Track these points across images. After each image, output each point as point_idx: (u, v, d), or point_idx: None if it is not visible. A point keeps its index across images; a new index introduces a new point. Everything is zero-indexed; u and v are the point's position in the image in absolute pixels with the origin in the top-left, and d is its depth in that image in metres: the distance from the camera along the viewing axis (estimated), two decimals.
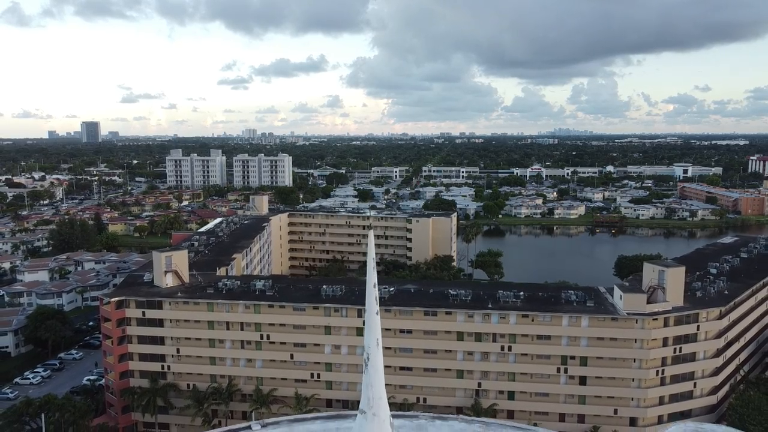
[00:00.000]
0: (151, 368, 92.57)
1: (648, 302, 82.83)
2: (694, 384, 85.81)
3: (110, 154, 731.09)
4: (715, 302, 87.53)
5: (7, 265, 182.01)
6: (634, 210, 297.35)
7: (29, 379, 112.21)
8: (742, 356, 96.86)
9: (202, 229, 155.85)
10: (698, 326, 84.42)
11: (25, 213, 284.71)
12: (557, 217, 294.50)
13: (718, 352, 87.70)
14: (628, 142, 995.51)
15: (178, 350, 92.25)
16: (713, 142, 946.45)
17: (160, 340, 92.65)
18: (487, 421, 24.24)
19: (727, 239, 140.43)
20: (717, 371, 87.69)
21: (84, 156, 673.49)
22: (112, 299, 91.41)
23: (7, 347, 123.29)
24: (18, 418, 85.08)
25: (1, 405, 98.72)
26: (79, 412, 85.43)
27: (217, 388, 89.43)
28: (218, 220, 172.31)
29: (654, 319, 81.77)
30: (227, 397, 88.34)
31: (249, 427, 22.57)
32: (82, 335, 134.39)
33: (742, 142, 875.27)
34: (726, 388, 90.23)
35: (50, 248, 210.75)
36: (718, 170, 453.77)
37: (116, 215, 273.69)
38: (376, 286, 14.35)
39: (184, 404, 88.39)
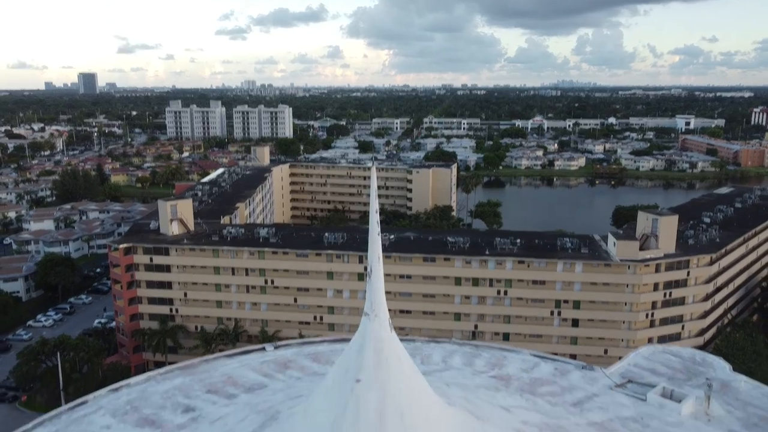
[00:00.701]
0: (160, 311, 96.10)
1: (641, 249, 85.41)
2: (683, 326, 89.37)
3: (108, 105, 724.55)
4: (706, 249, 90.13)
5: (12, 215, 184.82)
6: (635, 162, 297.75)
7: (42, 321, 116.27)
8: (731, 301, 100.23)
9: (205, 180, 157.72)
10: (688, 272, 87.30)
11: (27, 164, 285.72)
12: (557, 168, 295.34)
13: (707, 297, 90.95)
14: (631, 94, 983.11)
15: (185, 294, 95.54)
16: (718, 94, 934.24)
17: (167, 285, 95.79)
18: (478, 344, 26.69)
19: (723, 190, 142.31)
20: (705, 314, 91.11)
21: (82, 107, 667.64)
22: (121, 246, 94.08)
23: (18, 292, 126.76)
24: (35, 357, 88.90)
25: (17, 346, 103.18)
26: (92, 351, 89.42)
27: (224, 329, 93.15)
28: (220, 170, 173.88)
29: (646, 266, 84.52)
30: (234, 338, 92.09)
31: (263, 348, 24.96)
32: (90, 281, 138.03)
33: (747, 95, 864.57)
34: (713, 330, 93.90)
35: (54, 198, 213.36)
36: (721, 122, 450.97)
37: (118, 166, 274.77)
38: (378, 212, 16.17)
39: (193, 344, 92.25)
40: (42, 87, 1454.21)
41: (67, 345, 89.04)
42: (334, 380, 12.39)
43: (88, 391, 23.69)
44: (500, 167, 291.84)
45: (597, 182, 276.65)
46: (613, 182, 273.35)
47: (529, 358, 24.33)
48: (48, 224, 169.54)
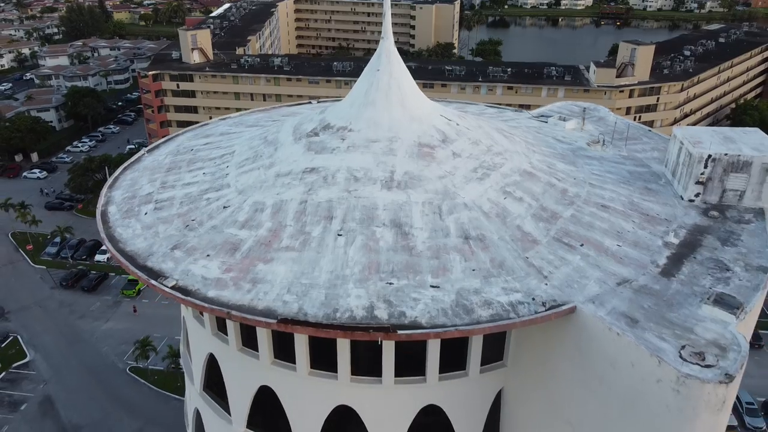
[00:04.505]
0: None
1: (618, 76, 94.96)
2: None
3: None
4: (677, 78, 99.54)
5: (26, 51, 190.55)
6: (643, 1, 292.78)
7: (79, 147, 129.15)
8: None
9: (215, 14, 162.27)
10: (658, 98, 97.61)
11: (27, 0, 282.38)
12: (564, 8, 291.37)
13: (674, 122, 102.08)
14: None
15: (210, 118, 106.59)
16: None
17: (194, 110, 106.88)
18: (450, 101, 38.26)
19: (713, 26, 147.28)
20: None
21: None
22: (150, 73, 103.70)
23: (51, 122, 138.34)
24: (84, 172, 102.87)
25: (61, 167, 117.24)
26: None
27: None
28: (227, 5, 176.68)
29: (620, 91, 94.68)
30: None
31: (310, 102, 36.25)
32: (114, 113, 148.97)
33: None
34: None
35: (61, 36, 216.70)
36: None
37: (119, 2, 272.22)
38: None
39: None
40: None
41: (110, 161, 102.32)
42: (365, 73, 23.85)
43: None
44: (506, 6, 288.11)
45: (602, 23, 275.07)
46: (618, 23, 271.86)
47: (482, 107, 36.16)
48: (63, 60, 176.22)
